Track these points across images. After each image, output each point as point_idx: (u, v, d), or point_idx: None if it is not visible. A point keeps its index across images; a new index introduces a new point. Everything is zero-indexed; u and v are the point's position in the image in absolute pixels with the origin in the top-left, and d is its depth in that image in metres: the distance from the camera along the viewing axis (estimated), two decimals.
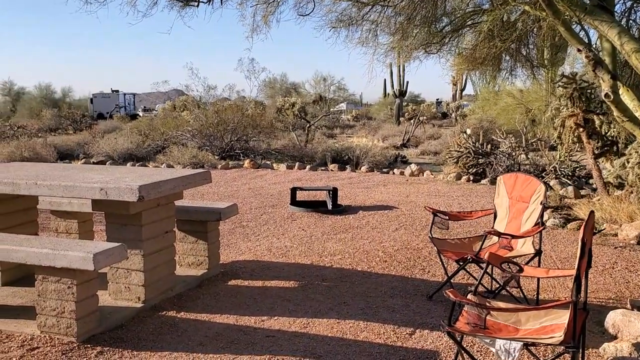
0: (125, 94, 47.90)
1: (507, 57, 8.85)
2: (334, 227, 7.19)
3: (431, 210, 4.79)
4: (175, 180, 4.37)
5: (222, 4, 6.73)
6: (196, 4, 6.70)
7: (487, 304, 3.14)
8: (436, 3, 6.84)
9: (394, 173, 12.53)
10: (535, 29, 7.48)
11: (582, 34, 5.96)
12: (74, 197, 4.13)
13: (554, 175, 10.46)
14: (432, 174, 11.96)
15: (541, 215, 4.46)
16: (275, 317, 4.22)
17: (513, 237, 4.41)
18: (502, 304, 3.26)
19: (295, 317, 4.23)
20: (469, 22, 7.34)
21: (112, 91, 47.31)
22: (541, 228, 4.39)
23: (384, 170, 12.86)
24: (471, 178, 11.23)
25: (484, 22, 6.62)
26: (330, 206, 8.19)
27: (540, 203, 4.46)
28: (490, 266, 3.99)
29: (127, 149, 14.74)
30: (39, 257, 3.63)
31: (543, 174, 10.72)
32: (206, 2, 6.64)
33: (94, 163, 13.68)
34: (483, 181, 11.05)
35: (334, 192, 8.30)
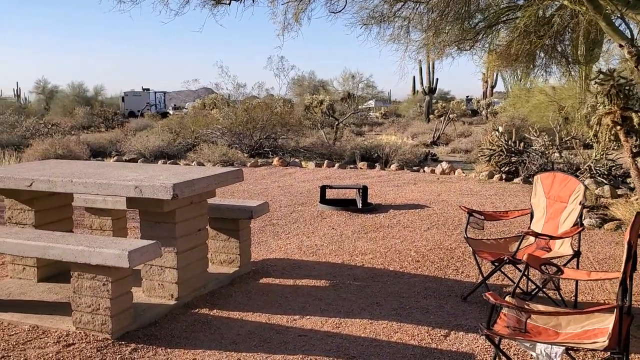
0: (155, 92, 48.41)
1: (542, 54, 8.68)
2: (364, 226, 7.13)
3: (466, 210, 4.70)
4: (208, 178, 4.38)
5: (253, 2, 6.72)
6: (228, 2, 6.70)
7: (527, 307, 3.06)
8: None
9: (424, 171, 12.40)
10: (572, 25, 7.31)
11: (623, 28, 5.79)
12: (108, 195, 4.16)
13: (589, 174, 10.22)
14: (463, 173, 11.80)
15: (580, 216, 4.34)
16: (307, 317, 4.19)
17: (551, 237, 4.30)
18: (541, 307, 3.18)
19: (327, 316, 4.20)
20: (503, 19, 7.21)
21: (143, 89, 47.87)
22: (580, 229, 4.27)
23: (414, 168, 12.74)
24: (503, 177, 11.04)
25: (519, 18, 6.48)
26: (360, 204, 8.14)
27: (580, 203, 4.34)
28: (527, 267, 3.90)
29: (158, 147, 14.89)
30: (75, 254, 3.66)
31: (577, 173, 10.48)
32: (238, 0, 6.64)
33: (126, 160, 13.86)
34: (516, 180, 10.86)
35: (363, 191, 8.24)
